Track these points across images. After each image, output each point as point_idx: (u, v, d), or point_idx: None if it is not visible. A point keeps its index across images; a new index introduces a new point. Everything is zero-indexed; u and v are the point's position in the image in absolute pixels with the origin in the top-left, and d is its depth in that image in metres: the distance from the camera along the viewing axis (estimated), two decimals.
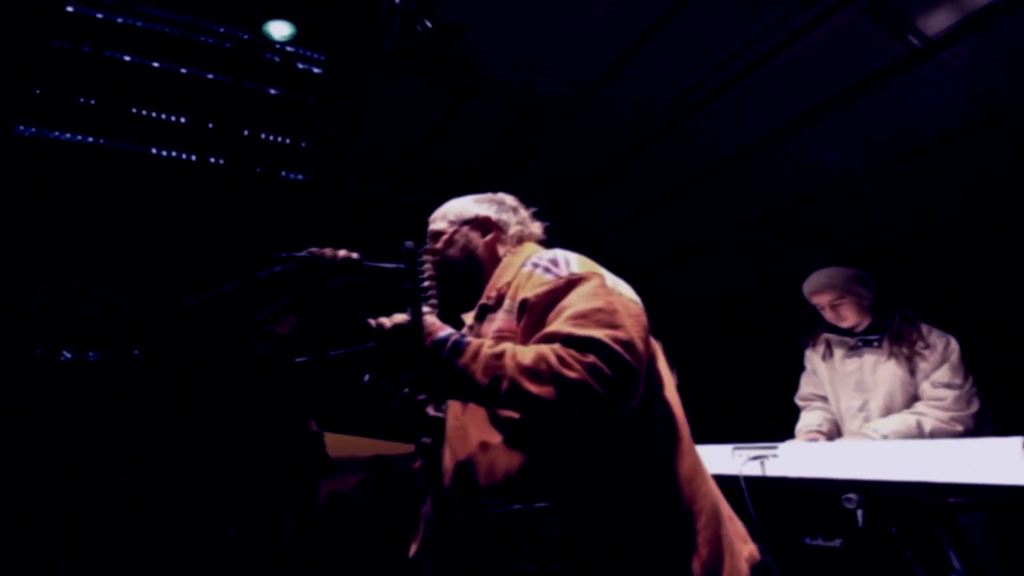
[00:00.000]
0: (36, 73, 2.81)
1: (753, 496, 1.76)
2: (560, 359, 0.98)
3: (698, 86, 2.90)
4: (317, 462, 2.81)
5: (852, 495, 1.60)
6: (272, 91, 3.10)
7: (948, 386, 2.13)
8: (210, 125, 3.16)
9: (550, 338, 1.04)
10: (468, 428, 1.14)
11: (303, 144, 3.33)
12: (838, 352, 2.44)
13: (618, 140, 3.35)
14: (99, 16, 2.75)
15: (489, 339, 1.12)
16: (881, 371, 2.29)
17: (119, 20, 2.78)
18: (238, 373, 2.55)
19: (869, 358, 2.34)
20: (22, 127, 2.91)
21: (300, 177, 3.44)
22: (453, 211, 1.41)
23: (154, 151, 3.14)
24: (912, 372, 2.23)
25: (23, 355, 2.50)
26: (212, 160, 3.24)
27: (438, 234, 1.38)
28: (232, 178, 3.27)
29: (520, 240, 1.37)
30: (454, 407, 1.20)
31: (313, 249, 1.23)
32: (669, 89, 2.95)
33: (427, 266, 1.22)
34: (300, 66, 3.04)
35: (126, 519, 2.27)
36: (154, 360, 2.58)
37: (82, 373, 2.55)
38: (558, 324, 1.05)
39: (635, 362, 1.00)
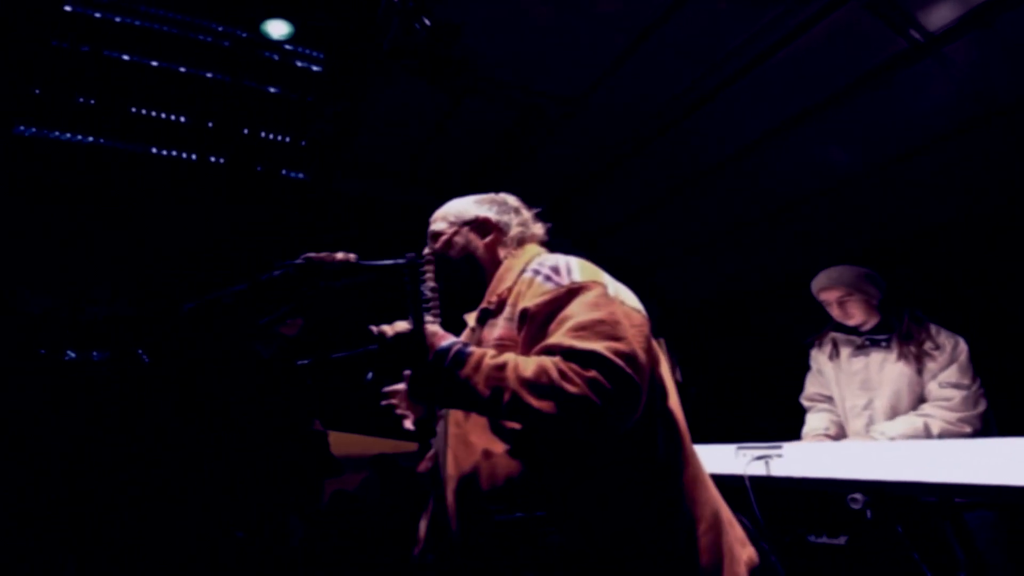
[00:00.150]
0: (35, 73, 2.80)
1: (757, 496, 1.75)
2: (561, 373, 0.98)
3: (698, 84, 2.88)
4: (322, 461, 2.81)
5: (858, 495, 1.59)
6: (272, 90, 3.09)
7: (956, 386, 2.12)
8: (210, 124, 3.15)
9: (552, 350, 1.03)
10: (470, 435, 1.14)
11: (303, 143, 3.32)
12: (844, 351, 2.44)
13: (618, 139, 3.34)
14: (97, 16, 2.74)
15: (491, 348, 1.11)
16: (888, 370, 2.28)
17: (117, 19, 2.77)
18: (242, 374, 2.55)
19: (876, 357, 2.33)
20: (22, 127, 2.91)
21: (301, 176, 3.43)
22: (453, 212, 1.39)
23: (154, 151, 3.13)
24: (920, 372, 2.23)
25: (25, 355, 2.49)
26: (212, 159, 3.24)
27: (438, 235, 1.37)
28: (233, 177, 3.26)
29: (521, 242, 1.35)
30: (456, 413, 1.19)
31: (309, 255, 1.22)
32: (669, 88, 2.94)
33: (429, 275, 1.21)
34: (299, 64, 3.03)
35: (133, 521, 2.26)
36: (157, 360, 2.57)
37: (86, 373, 2.55)
38: (560, 336, 1.04)
39: (637, 375, 0.99)
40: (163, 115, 3.07)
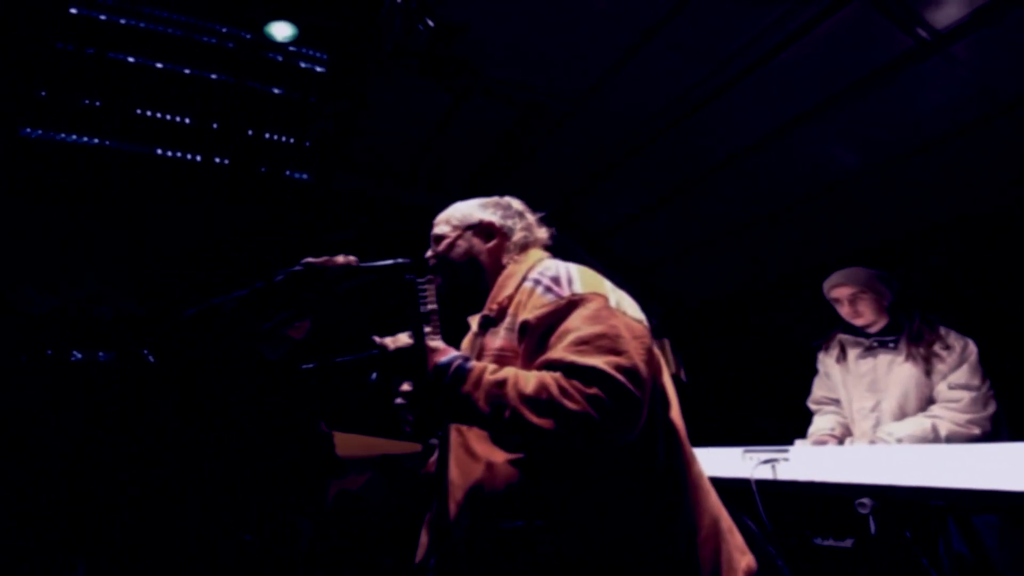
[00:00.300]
0: (41, 75, 2.81)
1: (764, 499, 1.74)
2: (562, 390, 0.98)
3: (702, 83, 2.86)
4: (327, 463, 2.81)
5: (865, 500, 1.58)
6: (275, 90, 3.09)
7: (965, 388, 2.11)
8: (214, 125, 3.15)
9: (552, 365, 1.03)
10: (472, 443, 1.14)
11: (307, 144, 3.32)
12: (852, 353, 2.42)
13: (621, 138, 3.32)
14: (102, 18, 2.75)
15: (491, 362, 1.12)
16: (896, 372, 2.27)
17: (122, 21, 2.78)
18: (246, 377, 2.55)
19: (884, 359, 2.32)
20: (28, 129, 2.92)
21: (304, 177, 3.44)
22: (457, 215, 1.38)
23: (159, 152, 3.14)
24: (928, 373, 2.22)
25: (31, 356, 2.51)
26: (217, 160, 3.24)
27: (441, 238, 1.36)
28: (237, 178, 3.27)
29: (524, 247, 1.34)
30: None
31: (309, 260, 1.22)
32: (673, 87, 2.92)
33: (429, 292, 1.21)
34: (302, 65, 3.03)
35: (141, 525, 2.27)
36: (162, 361, 2.58)
37: (90, 374, 2.56)
38: (560, 350, 1.04)
39: (638, 391, 0.99)
40: (167, 116, 3.08)
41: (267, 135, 3.25)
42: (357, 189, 3.72)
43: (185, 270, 3.29)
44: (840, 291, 2.39)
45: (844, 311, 2.40)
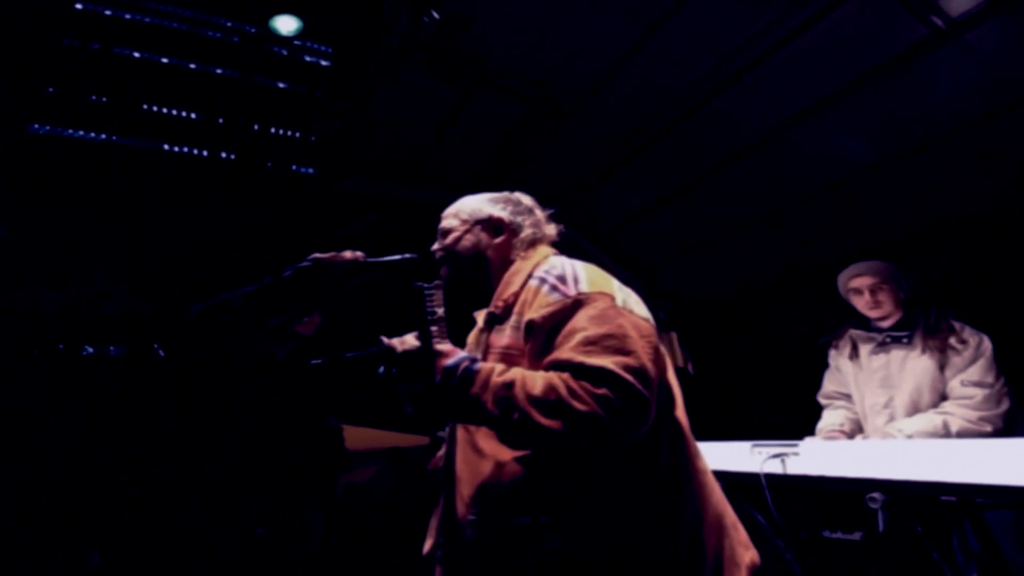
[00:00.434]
0: (48, 71, 2.82)
1: (772, 494, 1.73)
2: (570, 391, 0.98)
3: (710, 75, 2.83)
4: (338, 456, 2.83)
5: (876, 495, 1.56)
6: (281, 85, 3.09)
7: (978, 384, 2.09)
8: (220, 120, 3.16)
9: (560, 365, 1.03)
10: (478, 439, 1.15)
11: (312, 138, 3.32)
12: (864, 349, 2.40)
13: (628, 133, 3.29)
14: (107, 13, 2.75)
15: (497, 360, 1.12)
16: (909, 367, 2.25)
17: (127, 16, 2.78)
18: (255, 372, 2.56)
19: (897, 354, 2.30)
20: (36, 125, 2.93)
21: (311, 171, 3.44)
22: (466, 209, 1.37)
23: (166, 147, 3.15)
24: (942, 368, 2.20)
25: (39, 353, 2.53)
26: (223, 155, 3.25)
27: (448, 232, 1.36)
28: (243, 173, 3.27)
29: (533, 243, 1.33)
30: None
31: (316, 255, 1.22)
32: (681, 79, 2.88)
33: (436, 297, 1.21)
34: (308, 59, 3.02)
35: (154, 519, 2.29)
36: (172, 356, 2.59)
37: (98, 369, 2.58)
38: (567, 351, 1.04)
39: (646, 390, 1.00)
40: (174, 112, 3.08)
41: (273, 130, 3.25)
42: (363, 185, 3.72)
43: (191, 266, 3.30)
44: (861, 281, 2.38)
45: (863, 301, 2.38)
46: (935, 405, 2.18)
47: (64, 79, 2.86)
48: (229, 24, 2.84)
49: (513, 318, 1.18)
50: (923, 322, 2.28)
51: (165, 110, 3.07)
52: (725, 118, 3.06)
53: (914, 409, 2.21)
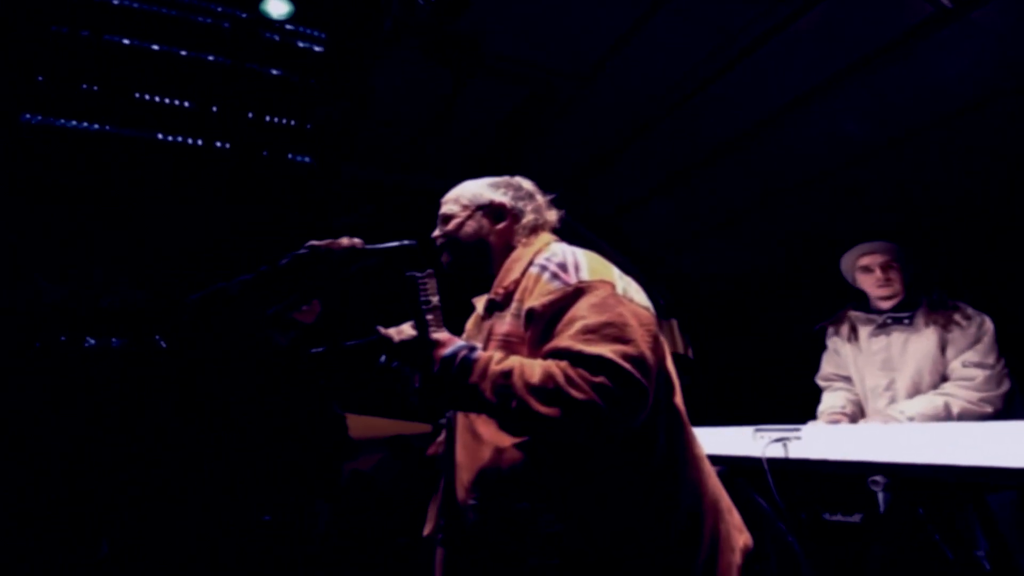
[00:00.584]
0: (38, 59, 2.77)
1: (775, 478, 1.73)
2: (568, 379, 0.98)
3: (713, 56, 2.78)
4: (342, 445, 2.84)
5: (879, 477, 1.57)
6: (274, 71, 3.04)
7: (979, 366, 2.08)
8: (214, 108, 3.11)
9: (559, 353, 1.03)
10: (477, 425, 1.15)
11: (308, 126, 3.28)
12: (864, 331, 2.39)
13: (630, 117, 3.25)
14: None
15: (497, 348, 1.13)
16: (911, 349, 2.25)
17: (116, 2, 2.72)
18: (257, 361, 2.55)
19: (898, 336, 2.29)
20: (28, 115, 2.89)
21: (307, 160, 3.40)
22: (467, 195, 1.36)
23: (160, 137, 3.11)
24: (943, 349, 2.20)
25: (39, 346, 2.52)
26: (218, 144, 3.21)
27: (449, 217, 1.34)
28: (238, 162, 3.24)
29: (534, 229, 1.32)
30: None
31: (313, 243, 1.21)
32: (682, 60, 2.84)
33: (430, 286, 1.20)
34: (300, 45, 2.97)
35: (162, 506, 2.29)
36: (172, 347, 2.58)
37: (99, 362, 2.57)
38: (566, 339, 1.04)
39: (645, 379, 1.00)
40: (166, 100, 3.04)
41: (268, 118, 3.21)
42: (360, 173, 3.69)
43: (188, 257, 3.28)
44: (871, 259, 2.37)
45: (872, 279, 2.36)
46: (936, 386, 2.18)
47: (54, 67, 2.81)
48: (219, 9, 2.79)
49: (513, 305, 1.17)
50: (927, 300, 2.28)
51: (158, 98, 3.02)
52: (725, 102, 3.02)
53: (915, 391, 2.21)
